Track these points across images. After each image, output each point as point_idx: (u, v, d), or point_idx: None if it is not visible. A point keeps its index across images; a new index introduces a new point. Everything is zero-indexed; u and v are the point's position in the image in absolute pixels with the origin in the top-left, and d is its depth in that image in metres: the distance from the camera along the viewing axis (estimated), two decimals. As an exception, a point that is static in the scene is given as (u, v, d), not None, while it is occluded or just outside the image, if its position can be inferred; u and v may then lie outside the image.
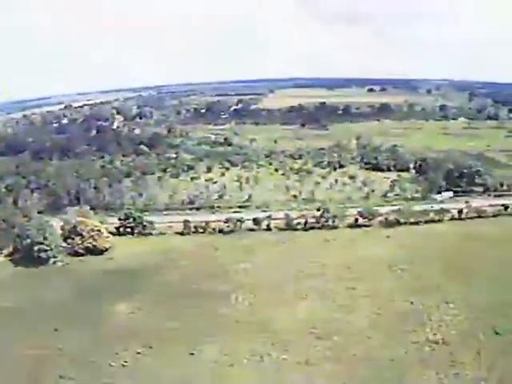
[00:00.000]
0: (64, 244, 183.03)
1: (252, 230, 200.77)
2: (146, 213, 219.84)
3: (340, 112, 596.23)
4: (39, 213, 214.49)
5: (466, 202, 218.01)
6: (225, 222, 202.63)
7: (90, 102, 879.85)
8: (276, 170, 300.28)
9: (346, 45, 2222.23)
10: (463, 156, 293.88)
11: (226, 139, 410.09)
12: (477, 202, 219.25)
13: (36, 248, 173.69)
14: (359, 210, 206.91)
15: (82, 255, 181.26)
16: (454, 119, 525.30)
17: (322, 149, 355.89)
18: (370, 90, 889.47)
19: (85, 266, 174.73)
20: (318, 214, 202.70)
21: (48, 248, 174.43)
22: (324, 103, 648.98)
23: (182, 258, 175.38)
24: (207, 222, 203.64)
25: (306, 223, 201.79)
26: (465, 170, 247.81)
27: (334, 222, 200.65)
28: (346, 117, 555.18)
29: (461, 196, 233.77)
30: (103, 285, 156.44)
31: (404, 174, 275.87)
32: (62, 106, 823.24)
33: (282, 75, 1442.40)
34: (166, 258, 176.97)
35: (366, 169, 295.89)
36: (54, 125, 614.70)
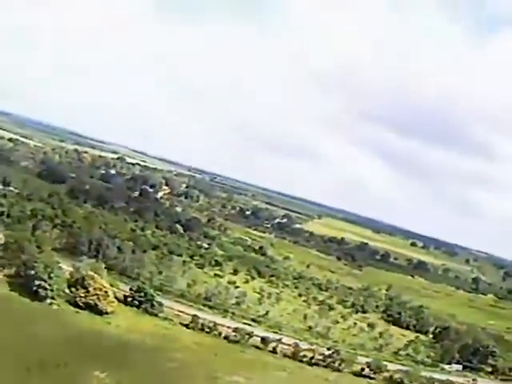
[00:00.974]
0: (67, 290, 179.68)
1: (258, 347, 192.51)
2: (159, 292, 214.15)
3: (378, 257, 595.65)
4: (53, 250, 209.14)
5: (473, 380, 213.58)
6: (233, 331, 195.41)
7: (143, 164, 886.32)
8: (299, 295, 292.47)
9: (402, 192, 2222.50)
10: (483, 333, 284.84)
11: (261, 248, 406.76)
12: (483, 382, 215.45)
13: (37, 283, 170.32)
14: (368, 360, 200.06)
15: (80, 308, 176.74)
16: (483, 294, 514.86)
17: (351, 288, 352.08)
18: (413, 244, 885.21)
19: (79, 319, 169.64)
20: (328, 352, 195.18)
21: (49, 288, 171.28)
22: (366, 244, 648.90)
23: (178, 351, 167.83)
24: (215, 324, 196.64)
25: (312, 358, 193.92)
26: (480, 348, 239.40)
27: (340, 365, 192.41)
28: (383, 264, 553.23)
29: (469, 371, 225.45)
30: (90, 345, 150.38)
31: (422, 337, 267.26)
32: (115, 156, 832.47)
33: (331, 202, 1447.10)
34: (162, 344, 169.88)
35: (387, 321, 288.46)
36: (101, 171, 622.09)
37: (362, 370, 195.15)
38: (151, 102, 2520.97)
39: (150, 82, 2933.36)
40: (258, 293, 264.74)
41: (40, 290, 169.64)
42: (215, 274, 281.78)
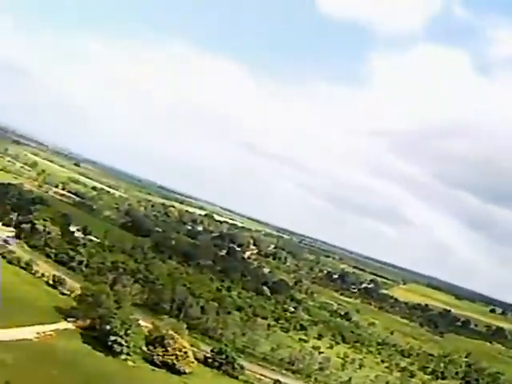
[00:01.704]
0: (144, 348, 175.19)
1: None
2: (241, 355, 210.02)
3: (459, 324, 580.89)
4: (133, 305, 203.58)
5: None
6: None
7: (231, 222, 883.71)
8: (382, 361, 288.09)
9: (485, 259, 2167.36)
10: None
11: (347, 313, 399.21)
12: None
13: (113, 338, 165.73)
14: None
15: (157, 366, 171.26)
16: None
17: (432, 355, 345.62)
18: (492, 311, 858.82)
19: (155, 377, 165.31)
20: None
21: (125, 344, 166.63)
22: (449, 311, 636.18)
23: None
24: None
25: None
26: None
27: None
28: (464, 330, 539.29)
29: None
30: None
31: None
32: (203, 213, 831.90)
33: (416, 267, 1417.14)
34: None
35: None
36: (188, 226, 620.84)
37: None
38: (240, 162, 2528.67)
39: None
40: (342, 358, 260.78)
41: (115, 346, 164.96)
42: (300, 339, 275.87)
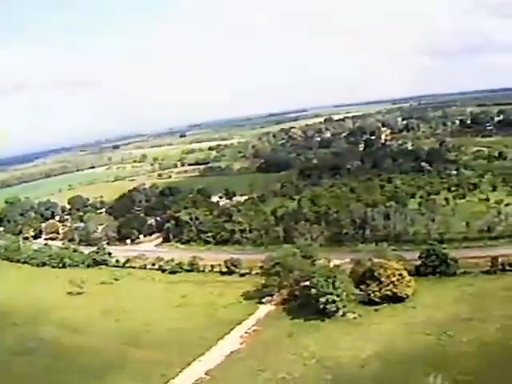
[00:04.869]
0: (356, 291, 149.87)
1: None
2: (443, 245, 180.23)
3: None
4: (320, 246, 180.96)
5: None
6: None
7: (352, 115, 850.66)
8: None
9: None
10: None
11: (500, 153, 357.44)
12: None
13: (323, 299, 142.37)
14: None
15: (376, 304, 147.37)
16: None
17: None
18: None
19: (381, 318, 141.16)
20: None
21: (338, 299, 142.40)
22: None
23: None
24: None
25: None
26: None
27: None
28: None
29: None
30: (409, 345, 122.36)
31: None
32: (322, 119, 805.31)
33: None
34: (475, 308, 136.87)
35: None
36: (316, 139, 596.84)
37: None
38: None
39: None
40: None
41: (328, 306, 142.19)
42: (480, 200, 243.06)
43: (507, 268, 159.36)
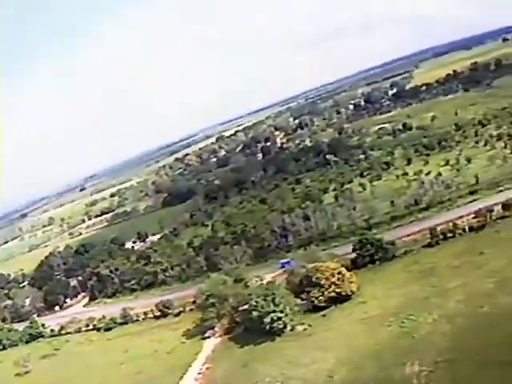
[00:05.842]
0: (298, 301, 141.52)
1: (504, 217, 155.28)
2: (374, 231, 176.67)
3: (493, 67, 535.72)
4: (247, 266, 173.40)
5: None
6: (474, 217, 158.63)
7: (242, 127, 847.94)
8: (476, 143, 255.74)
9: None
10: None
11: (404, 125, 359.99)
12: None
13: (268, 319, 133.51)
14: None
15: (323, 309, 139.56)
16: None
17: (506, 108, 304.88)
18: (505, 40, 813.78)
19: (333, 321, 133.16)
20: None
21: (282, 315, 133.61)
22: (476, 63, 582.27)
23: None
24: (454, 224, 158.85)
25: None
26: None
27: None
28: (503, 70, 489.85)
29: None
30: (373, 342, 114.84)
31: None
32: (213, 139, 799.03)
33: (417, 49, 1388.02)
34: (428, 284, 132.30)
35: None
36: (213, 160, 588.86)
37: None
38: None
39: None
40: (446, 165, 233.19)
41: (275, 325, 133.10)
42: (397, 176, 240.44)
43: (448, 235, 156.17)
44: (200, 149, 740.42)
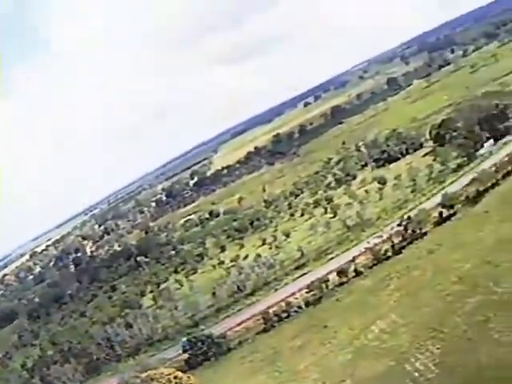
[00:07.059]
0: None
1: (342, 284, 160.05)
2: (202, 327, 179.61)
3: (297, 135, 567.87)
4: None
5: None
6: (308, 291, 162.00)
7: (52, 241, 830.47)
8: (292, 215, 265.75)
9: None
10: None
11: (211, 212, 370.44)
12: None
13: None
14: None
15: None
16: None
17: (318, 172, 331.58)
18: (306, 105, 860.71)
19: None
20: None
21: None
22: (278, 134, 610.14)
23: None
24: (287, 302, 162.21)
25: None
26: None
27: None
28: (309, 136, 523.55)
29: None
30: None
31: None
32: (28, 257, 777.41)
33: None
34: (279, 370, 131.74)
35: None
36: (30, 277, 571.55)
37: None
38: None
39: None
40: (263, 245, 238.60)
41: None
42: (213, 266, 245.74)
43: (283, 315, 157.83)
44: (17, 267, 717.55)
